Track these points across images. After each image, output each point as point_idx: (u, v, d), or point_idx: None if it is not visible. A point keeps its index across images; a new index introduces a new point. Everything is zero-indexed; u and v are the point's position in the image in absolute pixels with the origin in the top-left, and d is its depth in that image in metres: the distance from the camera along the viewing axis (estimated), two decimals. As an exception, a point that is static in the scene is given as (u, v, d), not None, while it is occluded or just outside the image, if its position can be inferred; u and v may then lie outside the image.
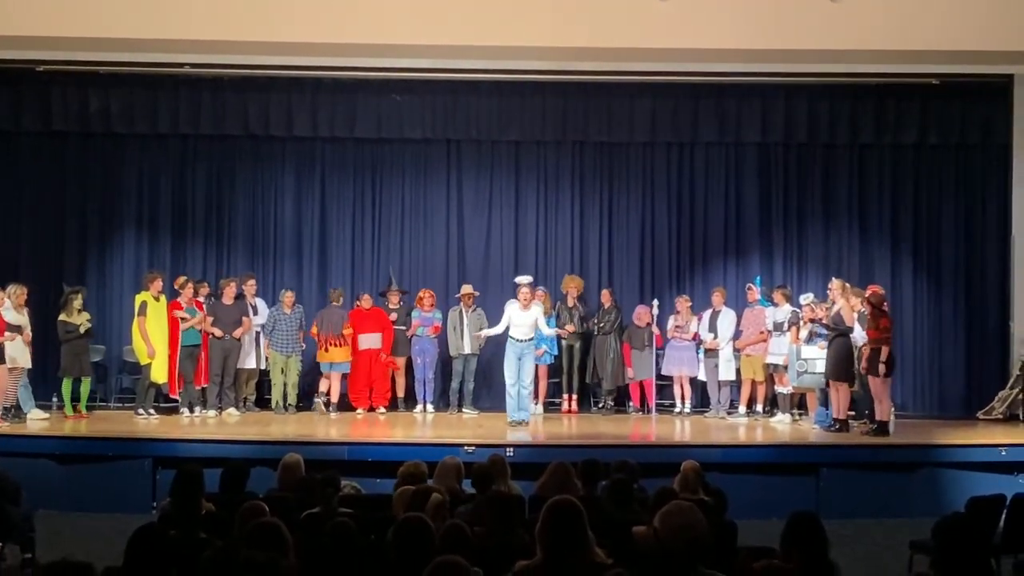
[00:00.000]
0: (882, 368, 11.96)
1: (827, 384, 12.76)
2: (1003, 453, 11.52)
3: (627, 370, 14.49)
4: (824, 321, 12.71)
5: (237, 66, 14.30)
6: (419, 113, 15.14)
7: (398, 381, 14.60)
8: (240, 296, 14.17)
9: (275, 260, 15.53)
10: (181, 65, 14.28)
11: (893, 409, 12.53)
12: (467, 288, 14.54)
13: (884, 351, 11.97)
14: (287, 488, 7.60)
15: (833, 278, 13.39)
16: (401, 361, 14.52)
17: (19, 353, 12.49)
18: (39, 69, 14.31)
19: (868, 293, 12.55)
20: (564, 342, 14.56)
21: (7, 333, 12.28)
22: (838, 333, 12.46)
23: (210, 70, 14.52)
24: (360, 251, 15.61)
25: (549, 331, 13.55)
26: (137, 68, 14.35)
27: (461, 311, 14.41)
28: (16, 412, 12.57)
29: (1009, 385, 14.23)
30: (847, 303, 12.63)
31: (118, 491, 10.91)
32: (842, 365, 12.44)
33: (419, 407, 14.38)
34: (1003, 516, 8.03)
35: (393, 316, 14.44)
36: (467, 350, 14.35)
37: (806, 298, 13.40)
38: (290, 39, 12.80)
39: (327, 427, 13.12)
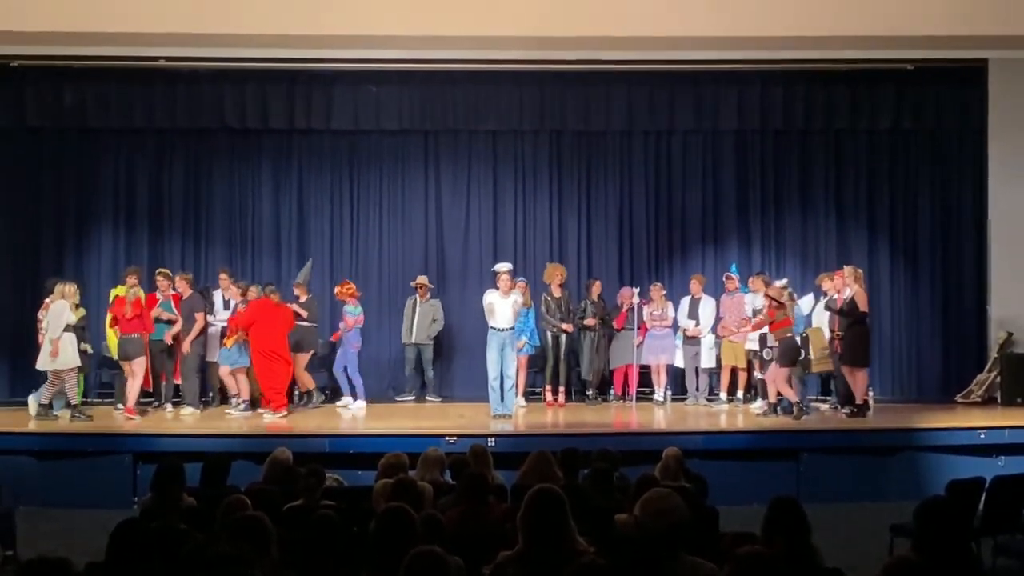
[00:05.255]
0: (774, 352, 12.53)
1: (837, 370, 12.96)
2: (982, 436, 11.58)
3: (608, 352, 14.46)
4: (839, 305, 12.72)
5: (212, 59, 14.20)
6: (396, 104, 15.10)
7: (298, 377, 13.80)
8: (203, 290, 13.89)
9: (253, 253, 15.48)
10: (156, 59, 14.17)
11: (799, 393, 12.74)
12: (422, 279, 14.64)
13: (770, 337, 12.59)
14: (273, 481, 7.58)
15: (845, 265, 13.27)
16: (305, 357, 13.83)
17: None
18: (13, 64, 14.20)
19: (764, 286, 12.96)
20: (550, 333, 14.23)
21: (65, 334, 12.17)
22: (853, 320, 12.50)
23: (185, 63, 14.43)
24: (339, 243, 15.58)
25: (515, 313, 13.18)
26: (112, 62, 14.22)
27: (416, 300, 14.47)
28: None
29: (987, 368, 14.31)
30: (860, 288, 12.67)
31: (98, 487, 10.84)
32: (859, 351, 12.52)
33: (342, 400, 13.93)
34: (983, 498, 8.07)
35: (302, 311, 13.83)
36: (415, 339, 14.44)
37: (779, 283, 13.38)
38: (265, 31, 12.71)
39: (307, 420, 13.03)
